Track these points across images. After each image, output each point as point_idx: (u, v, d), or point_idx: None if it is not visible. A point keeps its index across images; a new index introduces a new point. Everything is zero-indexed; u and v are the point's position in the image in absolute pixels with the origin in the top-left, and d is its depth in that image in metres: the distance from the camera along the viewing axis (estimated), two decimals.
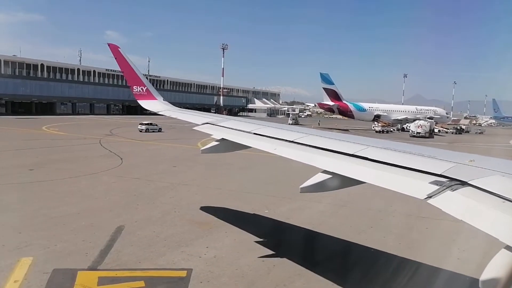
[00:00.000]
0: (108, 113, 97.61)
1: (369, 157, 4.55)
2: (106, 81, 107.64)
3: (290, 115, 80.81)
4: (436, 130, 65.13)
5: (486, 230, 2.73)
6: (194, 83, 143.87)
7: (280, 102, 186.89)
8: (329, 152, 5.12)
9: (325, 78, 64.80)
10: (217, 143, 7.48)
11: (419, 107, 76.01)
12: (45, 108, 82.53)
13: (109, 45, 10.82)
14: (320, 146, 5.37)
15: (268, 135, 6.58)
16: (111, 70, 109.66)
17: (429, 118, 69.19)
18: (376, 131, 56.61)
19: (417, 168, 3.95)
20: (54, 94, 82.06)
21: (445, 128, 68.16)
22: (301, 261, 8.77)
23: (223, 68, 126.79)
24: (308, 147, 5.52)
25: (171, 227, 11.01)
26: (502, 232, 2.63)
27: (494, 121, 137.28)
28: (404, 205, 13.97)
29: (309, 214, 13.03)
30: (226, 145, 7.32)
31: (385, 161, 4.34)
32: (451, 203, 3.21)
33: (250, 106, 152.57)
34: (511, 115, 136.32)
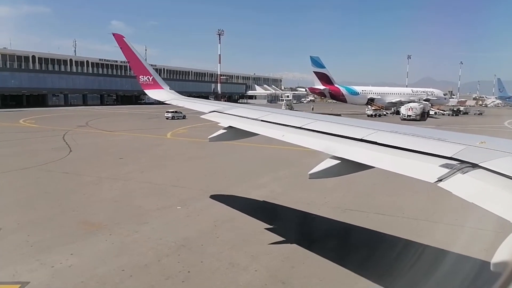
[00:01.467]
0: (102, 103, 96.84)
1: (378, 142, 4.47)
2: (100, 71, 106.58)
3: (284, 101, 78.91)
4: (432, 112, 63.03)
5: (498, 212, 2.70)
6: (192, 71, 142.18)
7: (283, 88, 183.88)
8: (337, 137, 5.06)
9: (315, 62, 62.61)
10: (225, 131, 7.37)
11: (414, 89, 73.37)
12: (37, 100, 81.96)
13: (114, 35, 10.69)
14: (328, 132, 5.31)
15: (276, 122, 6.46)
16: (104, 60, 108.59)
17: (425, 100, 66.91)
18: (368, 115, 54.67)
19: (427, 151, 3.88)
20: (44, 86, 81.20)
21: (442, 110, 65.83)
22: (170, 269, 7.58)
23: (219, 54, 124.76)
24: (316, 133, 5.45)
25: (54, 229, 9.84)
26: None
27: (500, 101, 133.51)
28: (341, 197, 12.69)
29: (219, 211, 11.61)
30: (234, 133, 7.25)
31: (394, 145, 4.26)
32: (462, 186, 3.14)
33: (250, 92, 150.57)
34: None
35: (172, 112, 46.79)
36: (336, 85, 64.87)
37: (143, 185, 14.65)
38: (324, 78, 63.49)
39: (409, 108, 50.49)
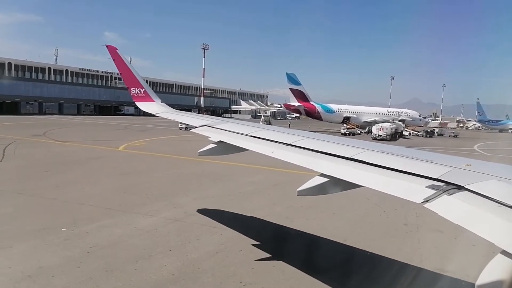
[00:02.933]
0: (79, 113, 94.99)
1: (366, 161, 4.56)
2: (80, 81, 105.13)
3: (262, 117, 78.31)
4: (406, 133, 63.06)
5: (483, 235, 2.71)
6: (175, 84, 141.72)
7: (269, 104, 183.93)
8: (326, 155, 5.13)
9: (291, 79, 62.43)
10: (215, 145, 7.34)
11: (390, 109, 73.75)
12: (10, 108, 79.83)
13: (107, 46, 10.74)
14: (317, 149, 5.39)
15: (266, 138, 6.52)
16: (85, 69, 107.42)
17: (400, 120, 67.15)
18: (342, 134, 54.24)
19: (413, 172, 3.93)
20: (17, 93, 79.32)
21: (416, 131, 65.89)
22: None
23: (203, 68, 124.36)
24: (305, 150, 5.53)
25: None
26: (498, 237, 2.64)
27: (479, 124, 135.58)
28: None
29: (107, 234, 10.33)
30: (224, 148, 7.22)
31: (382, 165, 4.33)
32: (448, 207, 3.19)
33: (234, 107, 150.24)
34: (495, 118, 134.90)
35: (185, 123, 43.46)
36: (311, 103, 64.59)
37: (45, 201, 13.29)
38: (300, 95, 63.21)
39: (380, 128, 50.23)
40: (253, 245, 9.76)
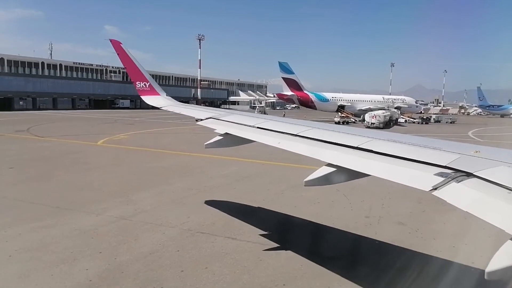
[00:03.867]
0: (73, 107, 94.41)
1: (374, 150, 4.49)
2: (75, 75, 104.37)
3: (257, 108, 77.42)
4: (402, 120, 62.06)
5: (492, 221, 2.72)
6: (172, 76, 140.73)
7: (267, 94, 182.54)
8: (333, 145, 5.07)
9: (284, 67, 61.29)
10: (221, 137, 7.34)
11: (386, 97, 72.55)
12: (3, 104, 79.26)
13: (111, 41, 10.72)
14: (324, 139, 5.33)
15: (272, 129, 6.49)
16: (79, 63, 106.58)
17: (396, 107, 66.11)
18: (335, 122, 53.28)
19: (422, 160, 3.89)
20: (9, 89, 78.62)
21: (412, 118, 64.80)
22: None
23: (199, 59, 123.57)
24: (312, 140, 5.47)
25: None
26: (508, 223, 2.63)
27: (480, 110, 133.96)
28: (208, 217, 10.90)
29: (41, 236, 9.65)
30: (230, 140, 7.23)
31: (390, 153, 4.27)
32: (456, 194, 3.16)
33: (232, 98, 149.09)
34: (497, 103, 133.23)
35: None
36: (305, 92, 63.53)
37: None
38: (293, 84, 62.16)
39: (373, 116, 49.23)
40: (194, 243, 9.12)
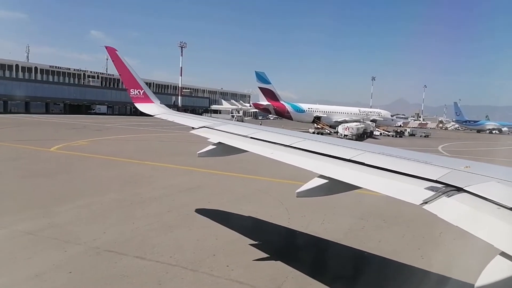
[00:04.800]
0: (47, 112, 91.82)
1: (366, 162, 4.55)
2: (51, 79, 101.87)
3: (235, 117, 76.72)
4: (377, 133, 62.28)
5: (482, 236, 2.73)
6: (153, 82, 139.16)
7: (251, 104, 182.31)
8: (326, 156, 5.14)
9: (260, 77, 60.93)
10: (214, 146, 7.36)
11: (362, 109, 72.96)
12: None
13: (106, 47, 10.82)
14: (316, 151, 5.39)
15: (265, 139, 6.48)
16: (56, 67, 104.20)
17: (372, 120, 66.41)
18: (311, 133, 52.92)
19: (413, 174, 3.95)
20: None
21: (387, 131, 65.14)
22: None
23: (181, 67, 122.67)
24: (304, 152, 5.54)
25: None
26: (497, 238, 2.67)
27: (457, 125, 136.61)
28: (123, 232, 9.90)
29: None
30: (223, 149, 7.22)
31: (381, 167, 4.34)
32: (447, 209, 3.20)
33: (214, 107, 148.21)
34: (474, 119, 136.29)
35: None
36: (281, 102, 63.24)
37: None
38: (269, 94, 61.78)
39: (346, 128, 49.15)
40: (93, 264, 8.13)
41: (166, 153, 27.94)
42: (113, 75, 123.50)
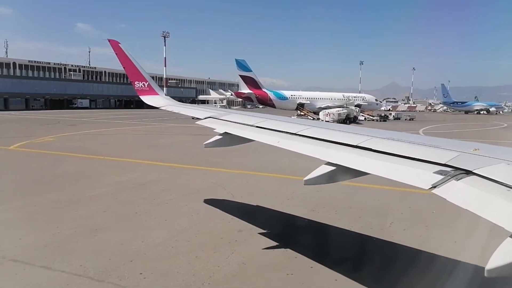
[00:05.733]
0: (27, 108, 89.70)
1: (373, 148, 4.52)
2: (30, 74, 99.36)
3: (218, 106, 75.48)
4: (362, 118, 61.64)
5: (491, 219, 2.73)
6: None
7: (232, 93, 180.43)
8: (332, 143, 5.09)
9: (241, 65, 59.59)
10: (220, 137, 7.31)
11: (346, 94, 71.99)
12: None
13: (109, 40, 10.74)
14: (323, 138, 5.35)
15: (271, 128, 6.47)
16: (35, 61, 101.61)
17: (356, 105, 65.70)
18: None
19: (421, 158, 3.92)
20: None
21: (371, 116, 64.50)
22: None
23: (165, 57, 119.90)
24: (311, 139, 5.50)
25: None
26: (507, 221, 2.65)
27: (445, 107, 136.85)
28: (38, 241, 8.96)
29: None
30: (229, 139, 7.17)
31: (389, 152, 4.29)
32: (456, 192, 3.17)
33: (201, 97, 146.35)
34: (462, 100, 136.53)
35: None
36: (263, 90, 62.12)
37: None
38: (251, 82, 60.56)
39: (327, 114, 48.46)
40: None
41: (134, 147, 26.91)
42: (95, 68, 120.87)
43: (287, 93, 65.19)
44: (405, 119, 66.65)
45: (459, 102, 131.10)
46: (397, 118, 66.96)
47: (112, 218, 11.00)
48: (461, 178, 3.30)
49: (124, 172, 17.61)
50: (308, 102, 63.67)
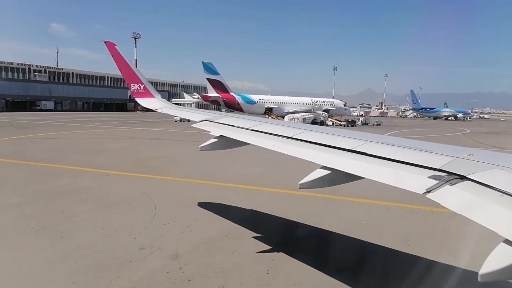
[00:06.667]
0: None
1: (368, 152, 4.57)
2: None
3: None
4: (330, 123, 61.64)
5: (485, 224, 2.75)
6: (108, 76, 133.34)
7: (198, 96, 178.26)
8: (327, 147, 5.15)
9: (208, 68, 58.46)
10: (216, 140, 7.24)
11: (315, 99, 72.17)
12: None
13: (105, 42, 10.66)
14: (318, 142, 5.40)
15: (267, 132, 6.53)
16: None
17: (325, 110, 65.75)
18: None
19: (415, 163, 3.96)
20: None
21: (339, 121, 64.68)
22: None
23: (135, 59, 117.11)
24: (306, 143, 5.55)
25: None
26: (501, 225, 2.68)
27: (415, 113, 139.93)
28: None
29: None
30: (225, 142, 7.14)
31: (384, 156, 4.35)
32: (450, 197, 3.20)
33: (174, 100, 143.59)
34: (429, 106, 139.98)
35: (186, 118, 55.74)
36: (231, 93, 61.20)
37: None
38: (218, 86, 59.52)
39: (291, 119, 48.10)
40: None
41: (77, 152, 25.28)
42: (62, 69, 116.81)
43: (255, 97, 64.46)
44: (373, 125, 67.16)
45: (428, 108, 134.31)
46: (365, 124, 67.41)
47: (13, 233, 9.71)
48: (455, 183, 3.31)
49: (49, 180, 16.18)
50: (276, 106, 63.15)
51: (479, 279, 2.42)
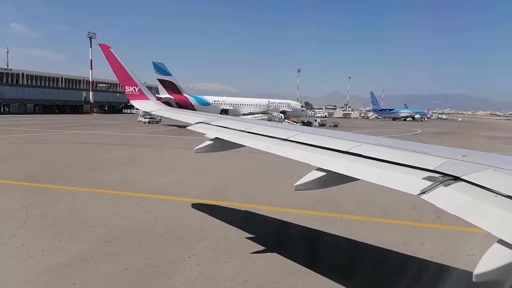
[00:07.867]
0: None
1: (363, 154, 4.59)
2: None
3: (141, 112, 71.03)
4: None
5: (479, 224, 2.77)
6: (62, 77, 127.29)
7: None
8: (323, 149, 5.15)
9: (159, 68, 56.25)
10: (211, 142, 7.30)
11: (271, 100, 71.56)
12: None
13: (100, 45, 10.66)
14: (313, 144, 5.41)
15: (262, 134, 6.56)
16: None
17: (282, 112, 65.21)
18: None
19: (410, 164, 3.97)
20: None
21: (295, 122, 64.35)
22: None
23: (91, 59, 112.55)
24: (301, 145, 5.56)
25: None
26: (494, 226, 2.69)
27: (376, 114, 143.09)
28: None
29: None
30: (220, 144, 7.18)
31: (379, 158, 4.36)
32: (444, 198, 3.23)
33: None
34: (388, 107, 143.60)
35: (148, 117, 53.30)
36: (184, 95, 59.30)
37: None
38: (170, 87, 57.44)
39: None
40: None
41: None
42: (10, 69, 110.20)
43: (209, 99, 62.84)
44: (330, 126, 67.30)
45: (387, 109, 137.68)
46: (322, 125, 67.45)
47: None
48: (449, 184, 3.34)
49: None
50: (232, 108, 61.79)
51: (473, 279, 2.44)
